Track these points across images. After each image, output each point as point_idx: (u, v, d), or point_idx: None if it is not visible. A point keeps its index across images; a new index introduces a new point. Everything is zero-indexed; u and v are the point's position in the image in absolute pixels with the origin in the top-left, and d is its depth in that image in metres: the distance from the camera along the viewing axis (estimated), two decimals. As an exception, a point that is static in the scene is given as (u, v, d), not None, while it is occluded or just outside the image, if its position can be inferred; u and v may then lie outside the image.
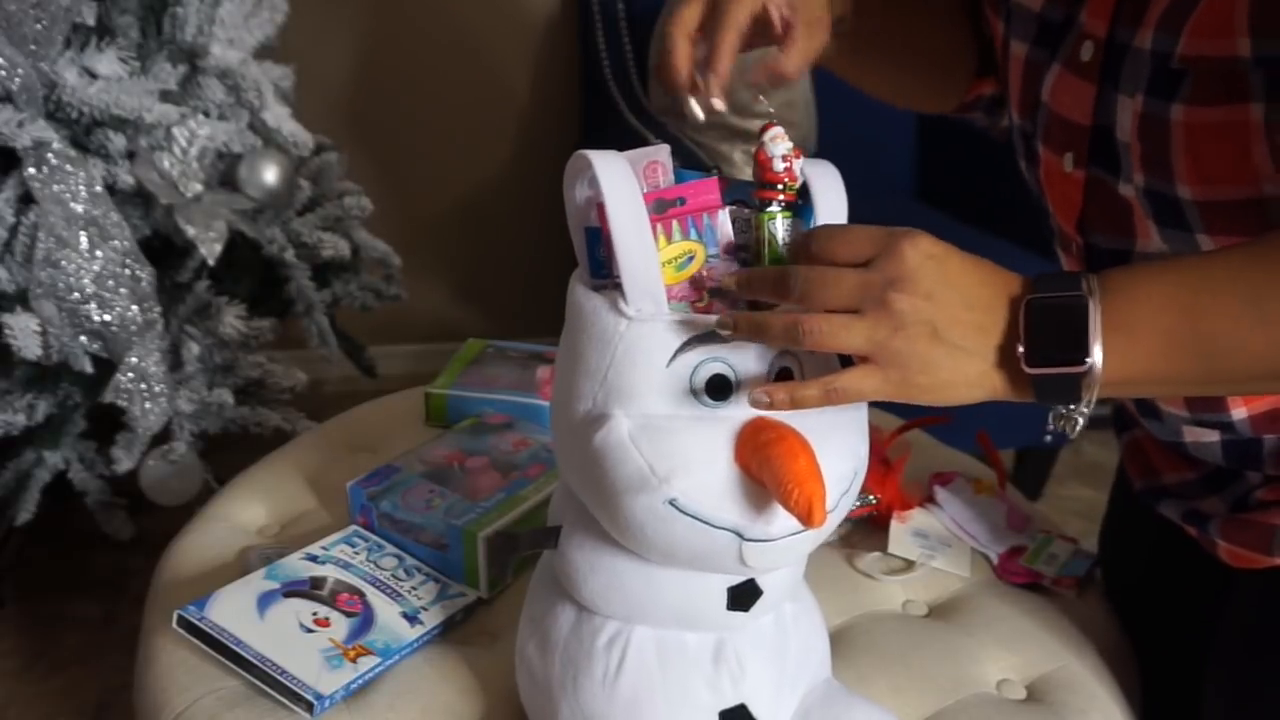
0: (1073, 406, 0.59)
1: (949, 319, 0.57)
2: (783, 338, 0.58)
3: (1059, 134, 0.75)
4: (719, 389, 0.61)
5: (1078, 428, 0.60)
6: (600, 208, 0.61)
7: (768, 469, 0.58)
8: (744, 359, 0.61)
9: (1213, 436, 0.77)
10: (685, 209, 0.63)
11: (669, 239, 0.63)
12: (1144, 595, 0.95)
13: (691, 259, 0.64)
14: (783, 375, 0.63)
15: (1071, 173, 0.75)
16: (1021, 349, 0.57)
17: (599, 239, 0.66)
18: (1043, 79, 0.75)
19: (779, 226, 0.64)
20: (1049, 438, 0.57)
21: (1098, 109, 0.70)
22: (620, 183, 0.61)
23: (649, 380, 0.61)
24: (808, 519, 0.57)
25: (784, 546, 0.61)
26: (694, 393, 0.61)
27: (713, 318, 0.62)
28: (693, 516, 0.60)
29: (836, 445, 0.62)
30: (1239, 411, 0.74)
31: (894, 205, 2.18)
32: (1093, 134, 0.71)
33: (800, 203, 0.65)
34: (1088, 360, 0.56)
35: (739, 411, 0.61)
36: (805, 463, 0.58)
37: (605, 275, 0.66)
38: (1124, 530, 0.99)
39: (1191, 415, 0.77)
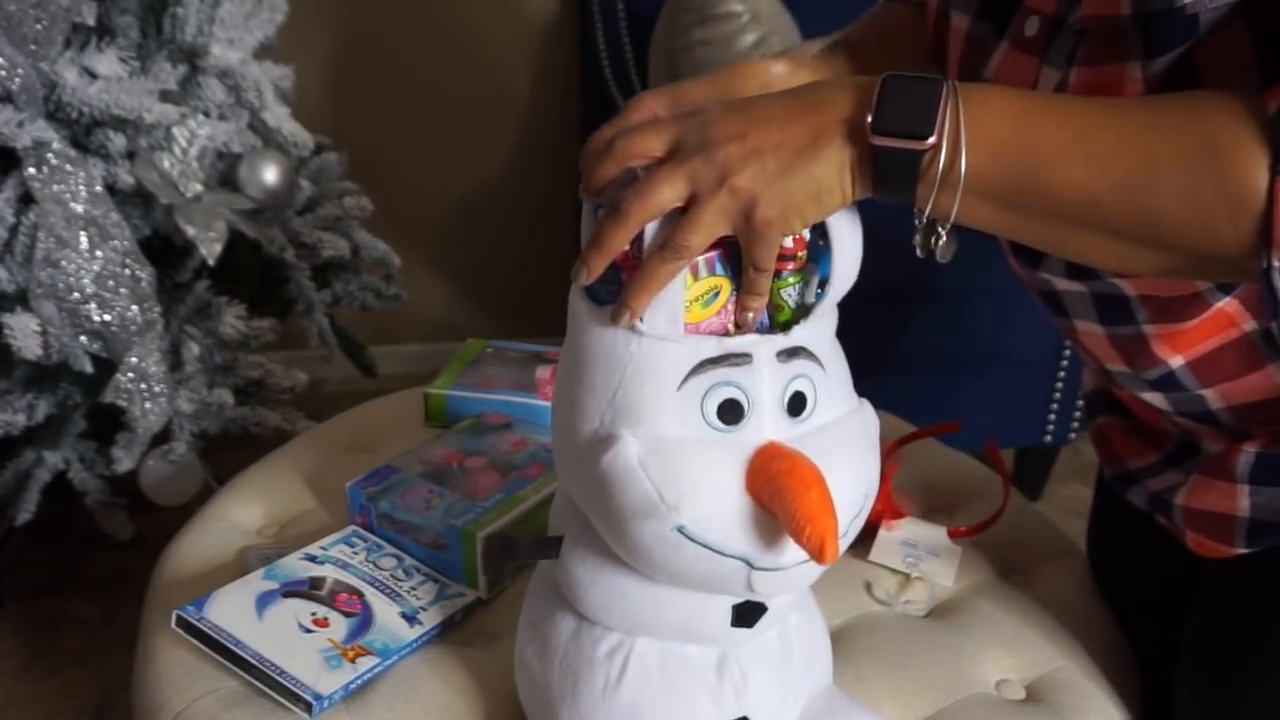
0: (926, 220, 0.59)
1: (773, 145, 0.58)
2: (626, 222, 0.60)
3: None
4: (731, 413, 0.60)
5: (940, 245, 0.61)
6: None
7: (779, 502, 0.57)
8: (757, 383, 0.60)
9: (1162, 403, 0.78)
10: (711, 245, 0.62)
11: (695, 276, 0.62)
12: (1129, 587, 0.95)
13: (717, 295, 0.63)
14: (796, 400, 0.62)
15: None
16: (870, 118, 0.57)
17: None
18: (986, 54, 0.75)
19: (792, 293, 0.64)
20: (919, 251, 0.62)
21: (1038, 85, 0.71)
22: None
23: (659, 401, 0.60)
24: (819, 556, 0.56)
25: (794, 575, 0.61)
26: (704, 416, 0.60)
27: (724, 339, 0.61)
28: (701, 544, 0.59)
29: (848, 469, 0.62)
30: (1176, 360, 0.74)
31: (894, 209, 2.17)
32: None
33: (821, 243, 0.64)
34: (931, 137, 0.57)
35: (751, 436, 0.60)
36: (818, 497, 0.57)
37: (606, 300, 0.63)
38: (1106, 523, 0.99)
39: (1133, 372, 0.77)
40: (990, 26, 0.74)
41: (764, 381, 0.60)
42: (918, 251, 0.61)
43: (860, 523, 0.64)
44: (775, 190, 0.58)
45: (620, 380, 0.61)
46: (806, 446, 0.60)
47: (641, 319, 0.60)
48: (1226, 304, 0.70)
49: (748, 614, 0.66)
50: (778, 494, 0.57)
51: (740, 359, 0.60)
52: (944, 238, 0.60)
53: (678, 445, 0.59)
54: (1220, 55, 0.59)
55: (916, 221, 0.60)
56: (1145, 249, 0.59)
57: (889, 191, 0.59)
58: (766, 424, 0.60)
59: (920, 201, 0.59)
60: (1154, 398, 0.78)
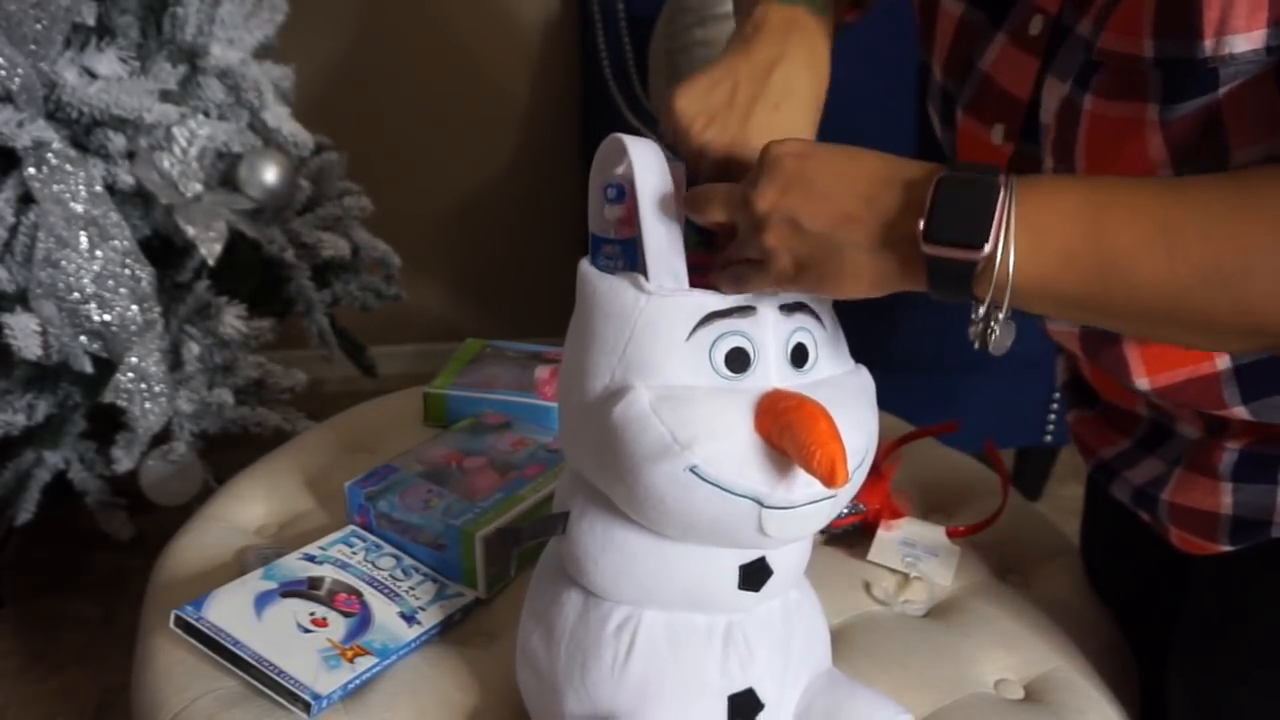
0: (985, 313, 0.57)
1: (810, 213, 0.58)
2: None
3: (992, 104, 0.74)
4: (738, 361, 0.62)
5: (994, 338, 0.58)
6: (630, 187, 0.64)
7: (789, 434, 0.59)
8: (762, 333, 0.63)
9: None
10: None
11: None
12: (1121, 585, 0.95)
13: None
14: (799, 350, 0.64)
15: (1000, 145, 0.74)
16: (921, 224, 0.55)
17: (600, 246, 0.68)
18: (980, 44, 0.74)
19: None
20: (975, 343, 0.59)
21: (1036, 85, 0.70)
22: (649, 163, 0.63)
23: (669, 353, 0.62)
24: (830, 479, 0.57)
25: (803, 515, 0.62)
26: (713, 365, 0.62)
27: (731, 295, 0.64)
28: (713, 484, 0.60)
29: (850, 418, 0.63)
30: (1142, 381, 0.74)
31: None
32: (1029, 110, 0.72)
33: None
34: (985, 247, 0.54)
35: (757, 383, 0.63)
36: (826, 425, 0.59)
37: (609, 271, 0.67)
38: (1097, 522, 1.00)
39: (1110, 374, 0.77)
40: (984, 16, 0.74)
41: (768, 331, 0.63)
42: (974, 344, 0.59)
43: (863, 474, 0.65)
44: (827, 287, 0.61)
45: (631, 335, 0.63)
46: (810, 395, 0.62)
47: (647, 279, 0.63)
48: None
49: (754, 576, 0.67)
50: (787, 427, 0.59)
51: (746, 310, 0.63)
52: (998, 330, 0.58)
53: (688, 392, 0.61)
54: (1246, 109, 0.58)
55: (973, 314, 0.58)
56: (1237, 337, 0.56)
57: (942, 294, 0.58)
58: (772, 372, 0.63)
59: (979, 300, 0.57)
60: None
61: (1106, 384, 0.83)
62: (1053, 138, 0.68)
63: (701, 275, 0.65)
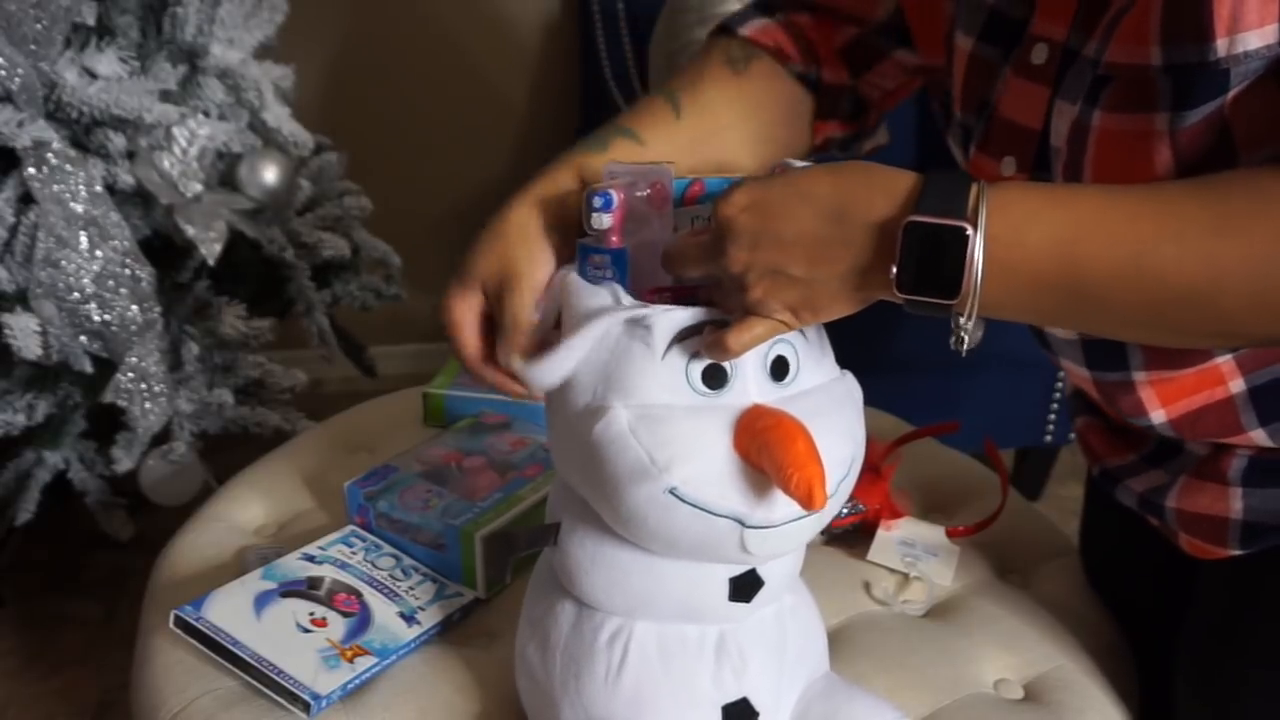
0: (955, 325, 0.59)
1: (788, 260, 0.59)
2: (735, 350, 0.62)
3: (1003, 138, 0.74)
4: (715, 378, 0.62)
5: (965, 345, 0.60)
6: (619, 196, 0.64)
7: (766, 454, 0.58)
8: None
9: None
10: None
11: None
12: (1123, 586, 0.95)
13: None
14: (779, 362, 0.63)
15: (1012, 177, 0.74)
16: (895, 270, 0.57)
17: (587, 257, 0.67)
18: (992, 80, 0.74)
19: None
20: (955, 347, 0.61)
21: (1052, 118, 0.70)
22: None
23: (646, 371, 0.62)
24: (808, 502, 0.57)
25: (786, 533, 0.61)
26: (690, 382, 0.62)
27: (703, 309, 0.63)
28: (693, 505, 0.60)
29: (833, 430, 0.63)
30: (1158, 414, 0.75)
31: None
32: (1040, 139, 0.72)
33: None
34: (959, 294, 0.57)
35: (736, 399, 0.62)
36: (803, 446, 0.58)
37: (594, 281, 0.67)
38: (1099, 524, 0.99)
39: (1124, 415, 0.78)
40: (997, 51, 0.74)
41: None
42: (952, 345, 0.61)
43: (850, 484, 0.65)
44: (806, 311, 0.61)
45: (608, 354, 0.62)
46: (791, 409, 0.61)
47: (623, 295, 0.64)
48: (1223, 362, 0.70)
49: (745, 588, 0.66)
50: (765, 447, 0.59)
51: (721, 325, 0.62)
52: (968, 336, 0.59)
53: (666, 411, 0.61)
54: (1251, 113, 0.59)
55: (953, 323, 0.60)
56: (1208, 339, 0.59)
57: (920, 314, 0.60)
58: (751, 387, 0.62)
59: (965, 323, 0.59)
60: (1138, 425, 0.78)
61: (1120, 417, 0.83)
62: (1064, 161, 0.68)
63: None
